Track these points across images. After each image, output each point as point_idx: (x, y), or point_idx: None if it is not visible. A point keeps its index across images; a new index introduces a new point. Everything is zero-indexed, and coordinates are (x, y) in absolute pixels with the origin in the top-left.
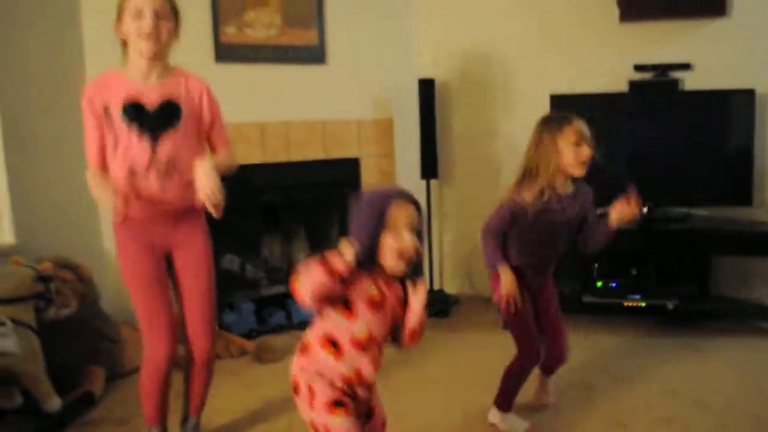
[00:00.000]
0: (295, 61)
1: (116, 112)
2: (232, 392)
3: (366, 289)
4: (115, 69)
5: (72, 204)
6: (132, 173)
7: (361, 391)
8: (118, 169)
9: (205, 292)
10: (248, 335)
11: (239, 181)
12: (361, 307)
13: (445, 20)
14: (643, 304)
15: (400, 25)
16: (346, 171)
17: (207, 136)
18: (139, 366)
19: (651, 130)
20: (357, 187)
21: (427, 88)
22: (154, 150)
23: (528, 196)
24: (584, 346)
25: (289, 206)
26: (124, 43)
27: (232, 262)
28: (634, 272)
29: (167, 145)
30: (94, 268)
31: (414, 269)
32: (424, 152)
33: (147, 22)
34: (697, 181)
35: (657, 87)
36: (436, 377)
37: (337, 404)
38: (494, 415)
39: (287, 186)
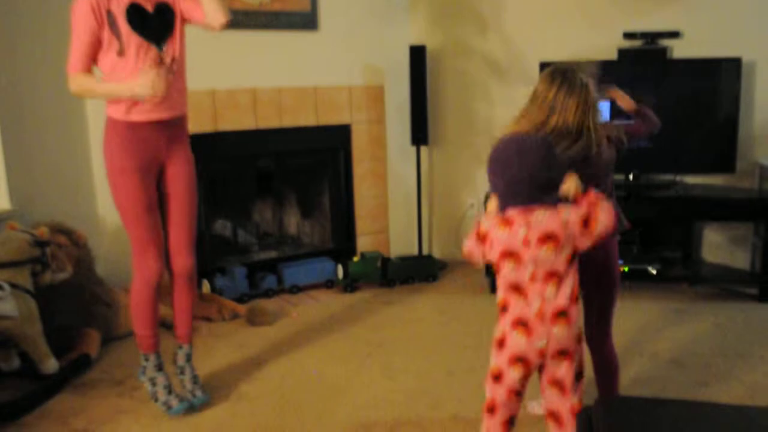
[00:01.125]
0: (287, 28)
1: (121, 19)
2: (225, 353)
3: None
4: None
5: (67, 169)
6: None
7: None
8: (127, 75)
9: (190, 208)
10: (240, 299)
11: (231, 147)
12: None
13: None
14: (626, 269)
15: None
16: (338, 137)
17: (190, 20)
18: (128, 331)
19: (639, 97)
20: (348, 153)
21: (417, 55)
22: (160, 55)
23: None
24: None
25: (280, 172)
26: None
27: (224, 227)
28: (618, 238)
29: (169, 49)
30: (89, 233)
31: None
32: (415, 119)
33: None
34: (684, 148)
35: (646, 55)
36: (424, 338)
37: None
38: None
39: (279, 152)
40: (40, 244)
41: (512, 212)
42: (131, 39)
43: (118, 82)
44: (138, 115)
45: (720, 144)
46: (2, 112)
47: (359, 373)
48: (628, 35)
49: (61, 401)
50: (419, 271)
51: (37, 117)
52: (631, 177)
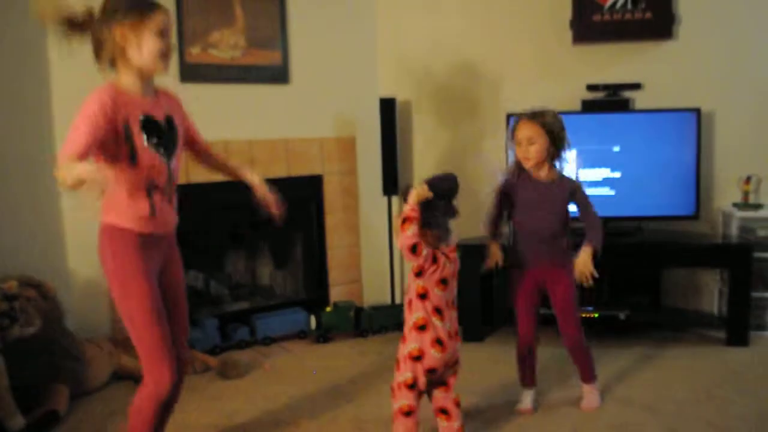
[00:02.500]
0: (258, 81)
1: (136, 127)
2: (197, 407)
3: None
4: (110, 82)
5: (36, 222)
6: (150, 193)
7: None
8: (134, 188)
9: (185, 308)
10: (212, 351)
11: (203, 199)
12: None
13: (407, 42)
14: (596, 315)
15: (362, 45)
16: (310, 188)
17: (192, 142)
18: (97, 386)
19: (603, 147)
20: (320, 204)
21: (387, 107)
22: (169, 168)
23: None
24: (540, 357)
25: (253, 223)
26: (112, 59)
27: (196, 278)
28: (586, 285)
29: (175, 162)
30: (59, 286)
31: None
32: (386, 169)
33: (171, 41)
34: (647, 196)
35: (609, 106)
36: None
37: None
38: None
39: (251, 203)
40: (8, 298)
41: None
42: (145, 153)
43: (82, 166)
44: (152, 228)
45: (683, 191)
46: None
47: (333, 424)
48: (592, 87)
49: None
50: (392, 320)
51: (4, 168)
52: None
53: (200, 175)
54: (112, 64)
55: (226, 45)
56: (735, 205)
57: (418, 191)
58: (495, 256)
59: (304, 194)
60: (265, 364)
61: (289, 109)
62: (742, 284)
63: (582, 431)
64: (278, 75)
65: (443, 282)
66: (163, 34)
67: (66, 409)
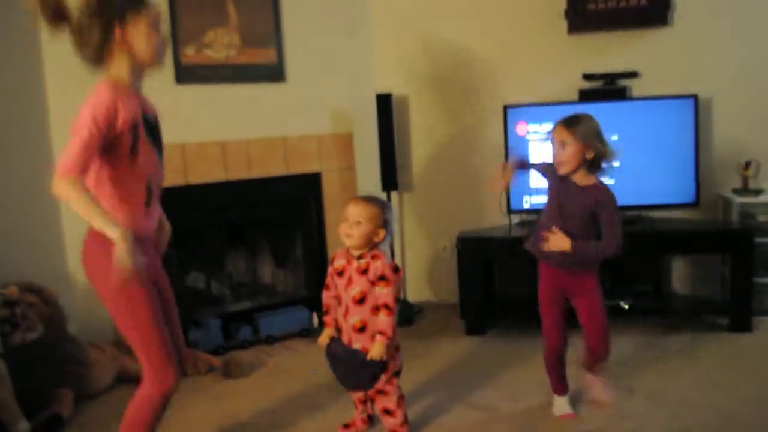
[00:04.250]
0: (254, 80)
1: (137, 125)
2: (201, 408)
3: None
4: (110, 80)
5: (36, 227)
6: (149, 191)
7: None
8: (134, 185)
9: (175, 304)
10: (215, 352)
11: (202, 199)
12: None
13: (403, 36)
14: None
15: (358, 41)
16: (308, 185)
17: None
18: (101, 389)
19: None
20: (319, 201)
21: (384, 102)
22: (161, 167)
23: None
24: (540, 346)
25: (252, 222)
26: (99, 55)
27: (197, 279)
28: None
29: (162, 161)
30: (60, 290)
31: None
32: (384, 165)
33: (165, 35)
34: (648, 184)
35: (606, 95)
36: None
37: None
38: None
39: (250, 202)
40: (10, 303)
41: None
42: (144, 151)
43: (107, 219)
44: (143, 224)
45: (682, 179)
46: None
47: (337, 422)
48: (588, 76)
49: None
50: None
51: (5, 174)
52: None
53: (199, 176)
54: (97, 59)
55: (220, 44)
56: (735, 191)
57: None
58: (507, 171)
59: (302, 192)
60: (269, 362)
61: (286, 107)
62: (744, 270)
63: (587, 419)
64: (274, 73)
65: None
66: (157, 28)
67: (70, 413)
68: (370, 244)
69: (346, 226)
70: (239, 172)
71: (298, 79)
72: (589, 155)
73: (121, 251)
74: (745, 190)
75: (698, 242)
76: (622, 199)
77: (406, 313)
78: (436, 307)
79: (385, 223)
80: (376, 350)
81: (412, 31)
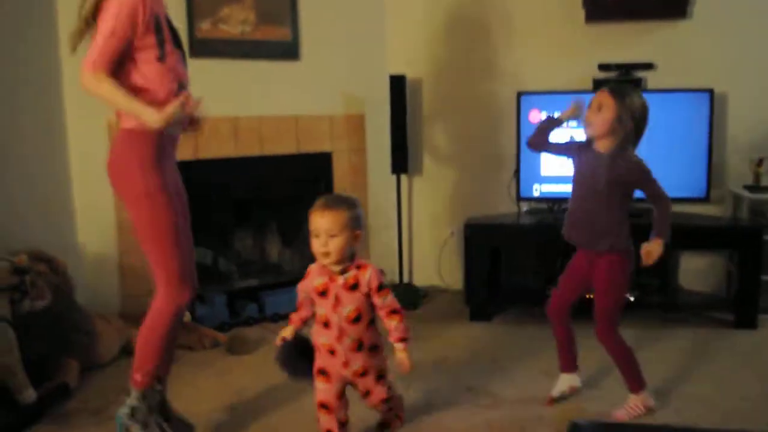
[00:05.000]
0: (268, 57)
1: (163, 23)
2: (206, 383)
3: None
4: None
5: (46, 196)
6: (181, 87)
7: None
8: (166, 83)
9: (190, 230)
10: (220, 328)
11: (212, 175)
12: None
13: (417, 19)
14: None
15: (372, 21)
16: (319, 165)
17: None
18: (107, 360)
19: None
20: (329, 182)
21: (397, 84)
22: (185, 65)
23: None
24: (546, 337)
25: (261, 200)
26: None
27: (204, 255)
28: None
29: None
30: (69, 260)
31: None
32: (395, 147)
33: None
34: (659, 177)
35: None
36: None
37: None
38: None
39: (260, 180)
40: (19, 271)
41: None
42: (170, 49)
43: (143, 104)
44: (172, 127)
45: (694, 173)
46: None
47: None
48: (603, 67)
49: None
50: (400, 299)
51: (17, 144)
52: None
53: (207, 151)
54: None
55: (236, 20)
56: (746, 187)
57: None
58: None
59: (313, 171)
60: (274, 340)
61: (299, 86)
62: (751, 267)
63: (588, 408)
64: (288, 51)
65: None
66: None
67: (77, 383)
68: (351, 254)
69: (320, 244)
70: (250, 148)
71: (312, 58)
72: (620, 130)
73: (165, 113)
74: (756, 187)
75: (707, 238)
76: None
77: (412, 297)
78: (441, 292)
79: (359, 222)
80: (404, 359)
81: (427, 14)
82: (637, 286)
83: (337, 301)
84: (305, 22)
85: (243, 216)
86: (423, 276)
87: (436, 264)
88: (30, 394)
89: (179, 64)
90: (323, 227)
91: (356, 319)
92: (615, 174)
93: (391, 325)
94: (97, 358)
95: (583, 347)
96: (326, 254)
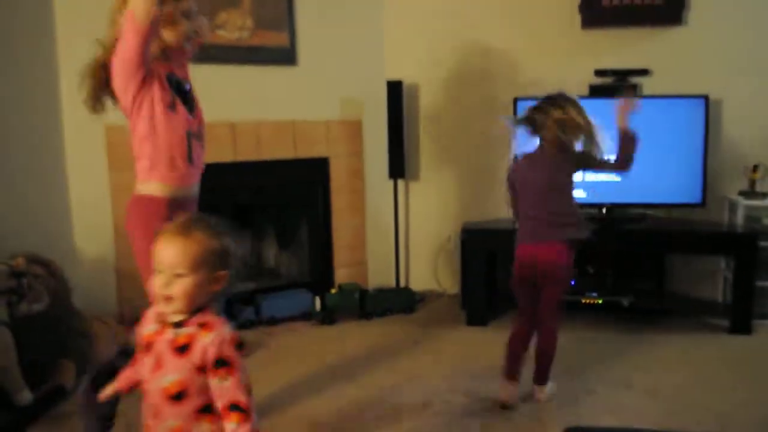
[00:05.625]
0: (266, 62)
1: (173, 79)
2: None
3: None
4: None
5: (43, 199)
6: (189, 146)
7: None
8: (175, 128)
9: None
10: None
11: (209, 179)
12: None
13: (415, 24)
14: (600, 301)
15: (370, 27)
16: (316, 170)
17: None
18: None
19: (610, 133)
20: (326, 186)
21: (395, 89)
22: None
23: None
24: None
25: (258, 205)
26: None
27: None
28: (591, 271)
29: (195, 122)
30: (66, 264)
31: None
32: (392, 152)
33: (204, 21)
34: (654, 182)
35: (616, 91)
36: (399, 371)
37: None
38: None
39: (257, 185)
40: (17, 274)
41: None
42: (177, 100)
43: None
44: (187, 180)
45: (689, 179)
46: None
47: (335, 404)
48: (599, 72)
49: None
50: (397, 303)
51: (13, 147)
52: (603, 211)
53: (207, 155)
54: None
55: (233, 26)
56: (741, 193)
57: None
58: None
59: (310, 176)
60: (270, 344)
61: (297, 91)
62: (746, 273)
63: (582, 413)
64: (285, 56)
65: None
66: (190, 15)
67: (73, 385)
68: (202, 302)
69: (161, 283)
70: (248, 153)
71: (310, 64)
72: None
73: None
74: (751, 193)
75: (702, 243)
76: (627, 197)
77: (408, 301)
78: (438, 296)
79: (225, 259)
80: None
81: (425, 19)
82: (632, 290)
83: (158, 364)
84: (303, 28)
85: (240, 220)
86: (420, 280)
87: (433, 268)
88: (26, 396)
89: (186, 117)
90: (167, 260)
91: (177, 397)
92: (568, 159)
93: (228, 428)
94: (93, 360)
95: (580, 353)
96: (167, 299)
